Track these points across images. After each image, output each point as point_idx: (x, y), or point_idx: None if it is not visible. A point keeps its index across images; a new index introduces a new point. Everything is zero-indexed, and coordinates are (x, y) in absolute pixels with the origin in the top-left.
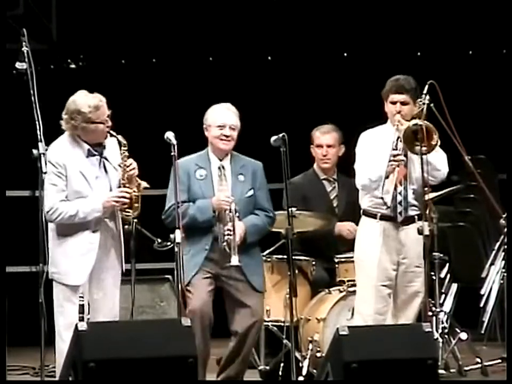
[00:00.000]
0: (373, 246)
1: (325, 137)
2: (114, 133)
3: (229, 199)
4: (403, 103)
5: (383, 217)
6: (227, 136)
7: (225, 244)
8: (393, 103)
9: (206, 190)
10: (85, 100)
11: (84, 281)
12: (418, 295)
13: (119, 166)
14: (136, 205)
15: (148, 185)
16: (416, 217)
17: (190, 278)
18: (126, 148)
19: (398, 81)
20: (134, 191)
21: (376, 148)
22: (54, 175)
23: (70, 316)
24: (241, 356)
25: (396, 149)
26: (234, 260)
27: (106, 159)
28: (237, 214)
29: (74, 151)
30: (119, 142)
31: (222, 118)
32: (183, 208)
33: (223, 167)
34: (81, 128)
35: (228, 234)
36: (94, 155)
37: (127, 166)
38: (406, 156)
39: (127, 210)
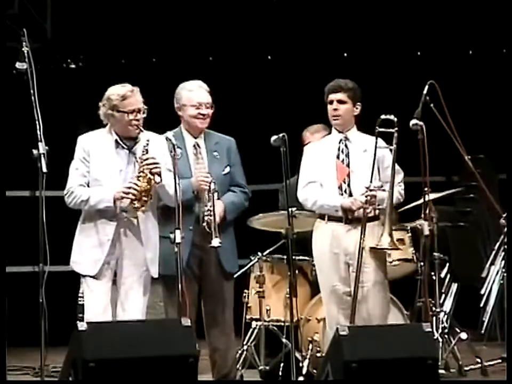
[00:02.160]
0: (324, 248)
1: (314, 137)
2: (141, 128)
3: (208, 178)
4: (339, 102)
5: (331, 218)
6: (203, 115)
7: (205, 224)
8: (331, 102)
9: (183, 170)
10: (115, 89)
11: (94, 273)
12: (370, 295)
13: (138, 158)
14: (144, 198)
15: (158, 181)
16: (363, 221)
17: (180, 275)
18: (148, 142)
19: (335, 82)
20: (145, 185)
21: (322, 160)
22: (78, 160)
23: (87, 306)
24: (225, 351)
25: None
26: (215, 241)
27: (135, 154)
28: (216, 193)
29: (104, 140)
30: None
31: (197, 97)
32: None
33: (198, 145)
34: (110, 116)
35: (208, 215)
36: (123, 148)
37: (144, 160)
38: (348, 155)
39: (133, 202)
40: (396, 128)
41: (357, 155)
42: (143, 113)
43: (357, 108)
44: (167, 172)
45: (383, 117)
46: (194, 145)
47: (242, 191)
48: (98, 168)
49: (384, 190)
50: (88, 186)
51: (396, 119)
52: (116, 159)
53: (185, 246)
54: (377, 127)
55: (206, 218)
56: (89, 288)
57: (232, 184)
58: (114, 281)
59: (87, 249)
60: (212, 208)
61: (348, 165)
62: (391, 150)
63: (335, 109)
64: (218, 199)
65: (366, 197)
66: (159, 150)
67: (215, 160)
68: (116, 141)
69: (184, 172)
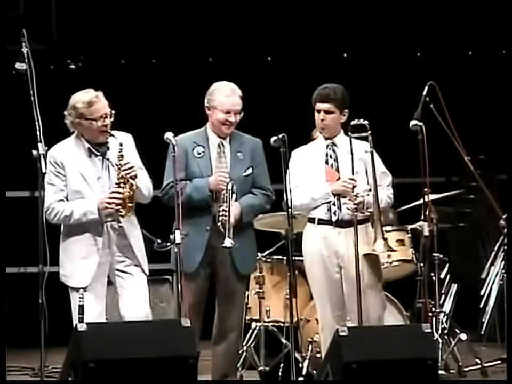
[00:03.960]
0: (315, 252)
1: None
2: (111, 132)
3: (226, 179)
4: (327, 112)
5: (321, 221)
6: (231, 122)
7: (220, 224)
8: (318, 111)
9: (204, 168)
10: (80, 96)
11: (87, 284)
12: (364, 300)
13: (116, 165)
14: (129, 204)
15: (139, 185)
16: (355, 222)
17: (193, 271)
18: (121, 147)
19: (324, 90)
20: (127, 191)
21: (310, 165)
22: (52, 174)
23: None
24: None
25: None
26: (228, 242)
27: (108, 159)
28: (234, 194)
29: (75, 150)
30: (120, 143)
31: (229, 104)
32: (181, 186)
33: (222, 145)
34: (77, 124)
35: (223, 215)
36: (96, 155)
37: (122, 166)
38: (336, 160)
39: (119, 210)
40: (369, 132)
41: (345, 160)
42: (111, 117)
43: (344, 115)
44: (139, 170)
45: (354, 122)
46: (218, 145)
47: (264, 194)
48: (76, 179)
49: (368, 195)
50: (67, 199)
51: (367, 123)
52: (92, 167)
53: (200, 248)
54: (349, 133)
55: (220, 218)
56: (81, 299)
57: (255, 186)
58: (110, 283)
59: (77, 261)
60: (227, 209)
61: (338, 170)
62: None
63: (322, 120)
64: (236, 200)
65: (354, 204)
66: (128, 150)
67: (238, 161)
68: (89, 149)
69: (205, 171)
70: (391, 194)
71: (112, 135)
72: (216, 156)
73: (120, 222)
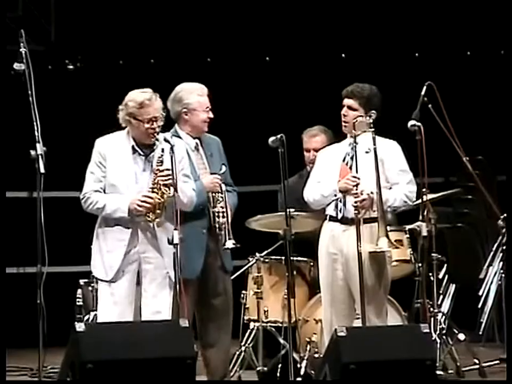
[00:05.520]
0: (323, 249)
1: (310, 141)
2: (157, 136)
3: (219, 180)
4: (350, 108)
5: (331, 218)
6: (211, 119)
7: (217, 225)
8: (343, 107)
9: (191, 173)
10: (134, 95)
11: (110, 278)
12: (369, 298)
13: (153, 169)
14: (158, 211)
15: (171, 194)
16: (356, 220)
17: (194, 277)
18: (163, 153)
19: (352, 86)
20: (158, 198)
21: (329, 163)
22: (94, 164)
23: (101, 311)
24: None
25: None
26: (229, 243)
27: (151, 162)
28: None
29: (121, 145)
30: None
31: (207, 102)
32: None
33: (198, 145)
34: (127, 121)
35: (223, 216)
36: (140, 154)
37: (159, 171)
38: (352, 158)
39: (147, 214)
40: (373, 129)
41: (361, 158)
42: (161, 120)
43: (370, 116)
44: (184, 177)
45: (360, 119)
46: (195, 147)
47: (235, 190)
48: (115, 174)
49: (372, 193)
50: (104, 191)
51: (371, 121)
52: (132, 165)
53: (201, 253)
54: (353, 131)
55: (219, 219)
56: (104, 293)
57: (226, 183)
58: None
59: (104, 254)
60: (224, 210)
61: (351, 167)
62: (371, 150)
63: (344, 115)
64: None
65: (355, 202)
66: (176, 155)
67: (213, 160)
68: (133, 147)
69: (193, 175)
70: (409, 192)
71: (157, 139)
72: (197, 158)
73: (152, 224)
